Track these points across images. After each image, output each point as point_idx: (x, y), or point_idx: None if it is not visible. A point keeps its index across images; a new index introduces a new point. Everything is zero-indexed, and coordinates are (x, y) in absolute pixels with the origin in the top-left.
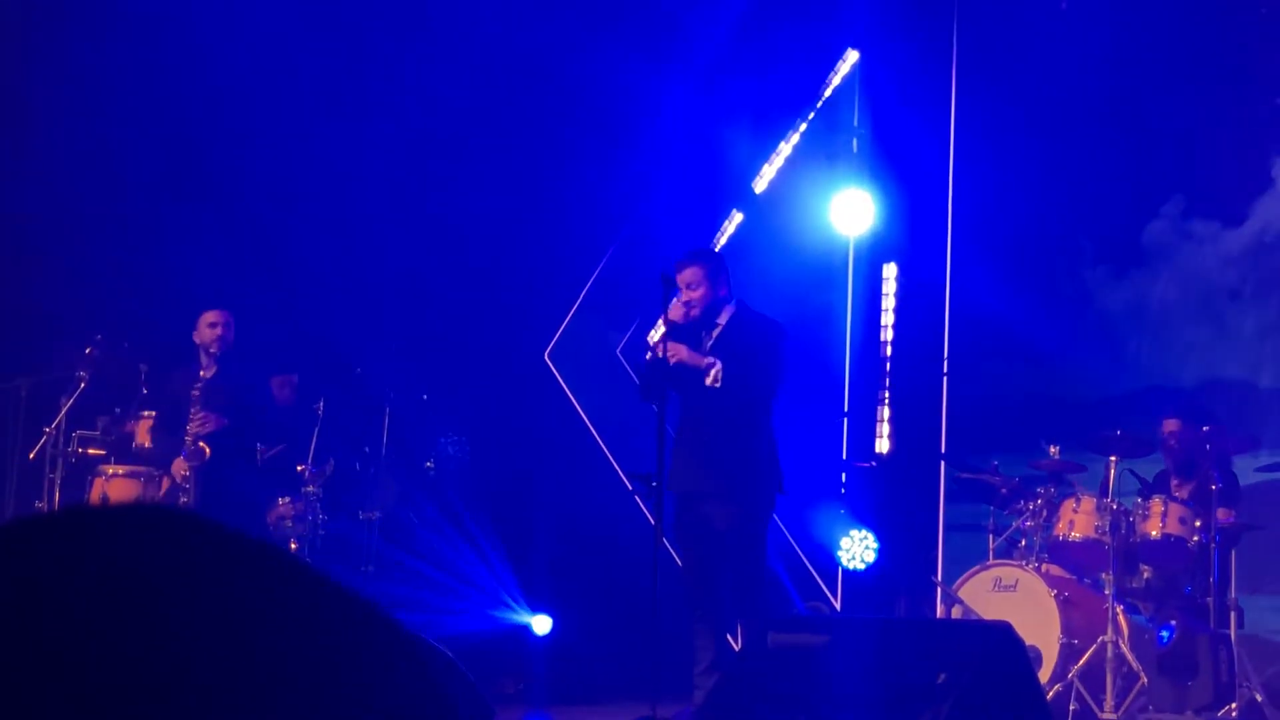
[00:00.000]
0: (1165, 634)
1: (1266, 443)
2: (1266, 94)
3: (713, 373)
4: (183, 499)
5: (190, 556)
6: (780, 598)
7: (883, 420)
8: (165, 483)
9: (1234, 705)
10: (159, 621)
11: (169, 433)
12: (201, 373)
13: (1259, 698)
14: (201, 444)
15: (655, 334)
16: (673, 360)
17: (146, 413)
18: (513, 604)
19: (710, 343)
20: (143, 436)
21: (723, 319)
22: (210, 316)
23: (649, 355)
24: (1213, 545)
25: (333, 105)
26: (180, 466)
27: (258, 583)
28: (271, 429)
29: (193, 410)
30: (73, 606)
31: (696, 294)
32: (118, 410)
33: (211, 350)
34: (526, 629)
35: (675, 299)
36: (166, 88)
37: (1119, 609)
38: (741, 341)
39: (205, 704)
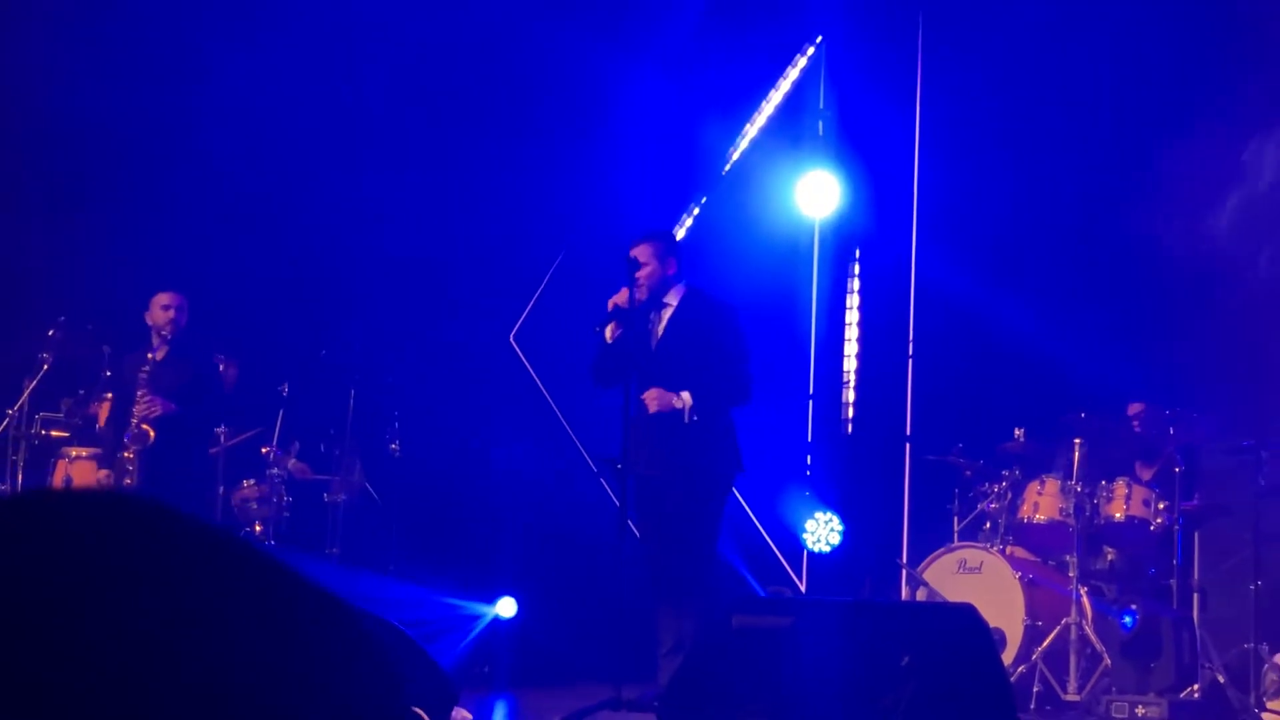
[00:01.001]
0: (1129, 620)
1: (1232, 426)
2: (1241, 76)
3: (686, 411)
4: (127, 482)
5: (150, 541)
6: (740, 583)
7: (848, 403)
8: (127, 481)
9: (1196, 686)
10: (117, 605)
11: (120, 416)
12: (150, 355)
13: (1221, 679)
14: (145, 427)
15: (608, 330)
16: (651, 409)
17: (110, 395)
18: (476, 593)
19: (661, 325)
20: (106, 418)
21: (671, 299)
22: (163, 299)
23: (601, 330)
24: (1176, 527)
25: (297, 86)
26: (123, 450)
27: (214, 568)
28: (223, 415)
29: (139, 393)
30: (34, 589)
31: (644, 271)
32: (81, 392)
33: (164, 333)
34: (492, 618)
35: (624, 288)
36: (122, 72)
37: (1083, 591)
38: (694, 325)
39: (160, 685)
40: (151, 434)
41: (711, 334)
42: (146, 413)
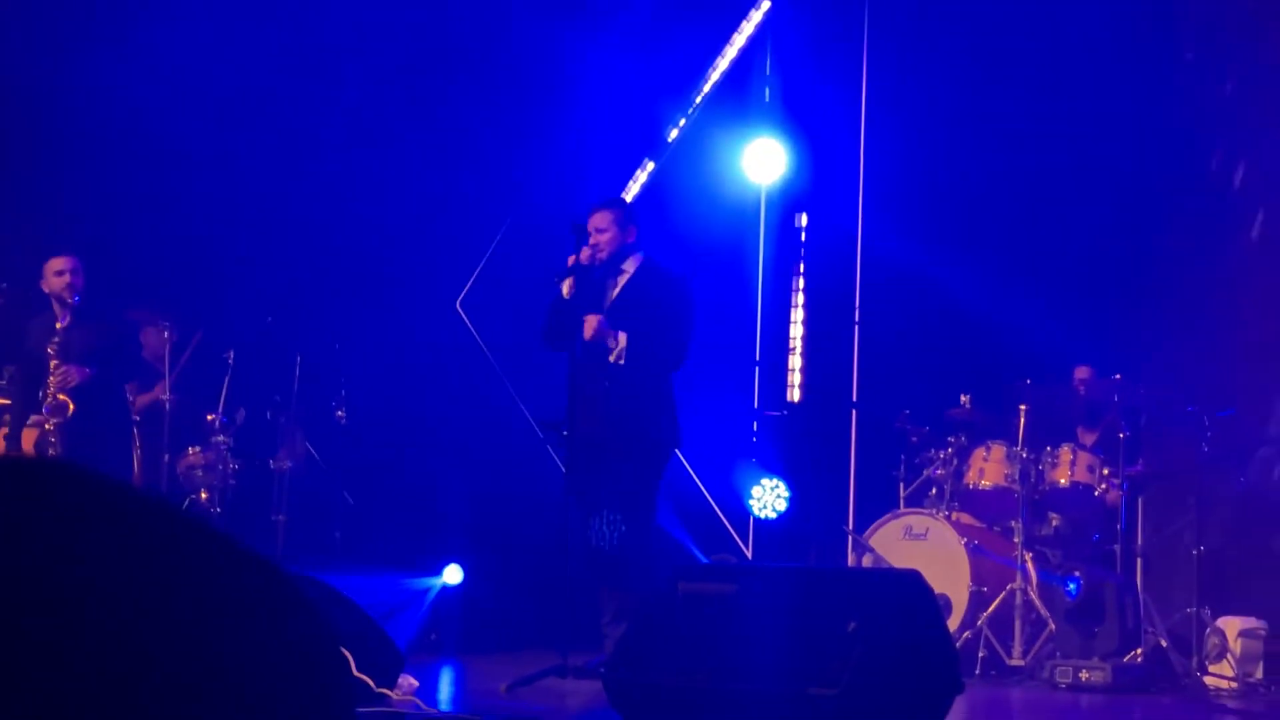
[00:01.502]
0: (1073, 587)
1: (1176, 392)
2: (1183, 54)
3: (616, 350)
4: (50, 454)
5: (83, 509)
6: (682, 552)
7: (794, 369)
8: (32, 435)
9: (1139, 651)
10: (50, 571)
11: (27, 388)
12: (57, 324)
13: (1164, 643)
14: (62, 397)
15: (566, 286)
16: (587, 336)
17: (53, 364)
18: (422, 565)
19: (615, 290)
20: (16, 390)
21: (628, 266)
22: (57, 264)
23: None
24: (1120, 493)
25: (238, 48)
26: (42, 422)
27: (147, 535)
28: (144, 375)
29: (53, 364)
30: None
31: (604, 238)
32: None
33: (64, 299)
34: (438, 582)
35: (585, 247)
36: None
37: (1028, 557)
38: (647, 293)
39: (97, 652)
40: (71, 405)
41: (662, 302)
42: (63, 384)
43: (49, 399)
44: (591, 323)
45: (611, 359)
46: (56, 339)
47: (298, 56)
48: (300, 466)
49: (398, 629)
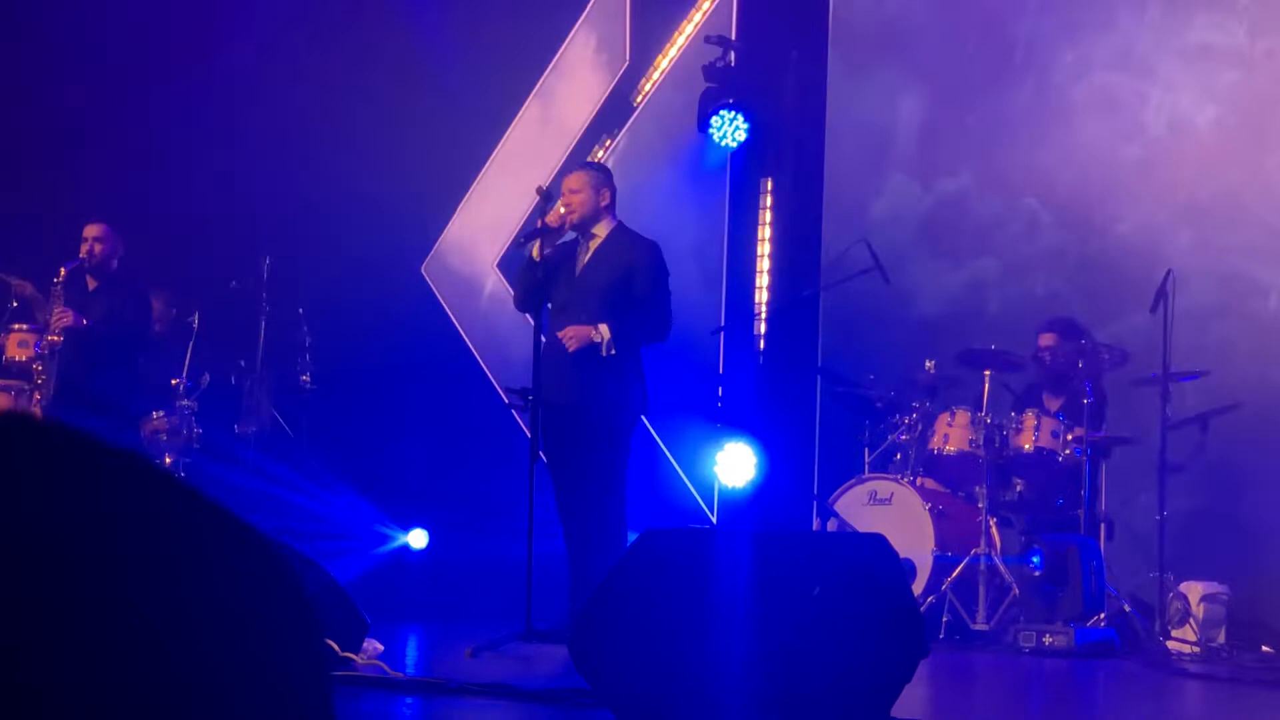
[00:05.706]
0: (1036, 560)
1: (1141, 357)
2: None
3: (604, 344)
4: (36, 396)
5: (50, 465)
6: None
7: (759, 335)
8: (37, 396)
9: (1103, 615)
10: (14, 530)
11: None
12: (58, 275)
13: (1127, 608)
14: (53, 338)
15: (534, 247)
16: (571, 348)
17: (17, 326)
18: (387, 524)
19: (587, 255)
20: (13, 350)
21: (600, 231)
22: (85, 230)
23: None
24: (1084, 459)
25: (199, 15)
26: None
27: (118, 492)
28: (143, 347)
29: (54, 308)
30: None
31: (576, 199)
32: None
33: (84, 264)
34: (403, 546)
35: (553, 207)
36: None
37: (992, 522)
38: (618, 259)
39: (62, 618)
40: (58, 340)
41: (635, 270)
42: (56, 323)
43: (44, 340)
44: (571, 339)
45: (604, 354)
46: (57, 280)
47: (257, 17)
48: (265, 431)
49: (363, 594)
